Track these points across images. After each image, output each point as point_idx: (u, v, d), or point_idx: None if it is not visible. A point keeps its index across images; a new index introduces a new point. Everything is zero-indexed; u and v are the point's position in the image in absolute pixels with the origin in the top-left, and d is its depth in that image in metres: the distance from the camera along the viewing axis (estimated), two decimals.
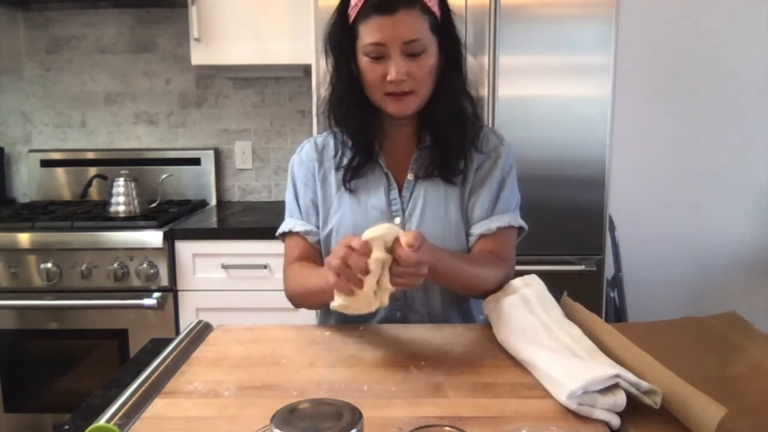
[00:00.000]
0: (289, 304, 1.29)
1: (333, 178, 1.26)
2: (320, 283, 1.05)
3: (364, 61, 1.15)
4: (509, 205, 1.25)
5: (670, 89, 2.60)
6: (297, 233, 1.26)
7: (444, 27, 1.17)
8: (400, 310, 1.24)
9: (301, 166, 1.29)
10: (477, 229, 1.23)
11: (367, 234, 0.96)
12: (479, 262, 1.19)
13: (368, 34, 1.12)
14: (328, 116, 1.25)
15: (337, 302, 0.98)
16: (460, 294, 1.24)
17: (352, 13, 1.15)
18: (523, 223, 1.26)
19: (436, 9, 1.15)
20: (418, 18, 1.12)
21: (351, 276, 0.94)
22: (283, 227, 1.29)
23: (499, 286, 1.17)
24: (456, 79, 1.21)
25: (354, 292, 0.95)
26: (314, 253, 1.27)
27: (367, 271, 0.94)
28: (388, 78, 1.13)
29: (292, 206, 1.29)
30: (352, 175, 1.24)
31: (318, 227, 1.27)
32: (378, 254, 0.94)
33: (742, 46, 2.56)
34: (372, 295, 0.96)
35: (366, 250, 0.94)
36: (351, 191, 1.24)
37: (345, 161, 1.25)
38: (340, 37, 1.18)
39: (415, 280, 0.98)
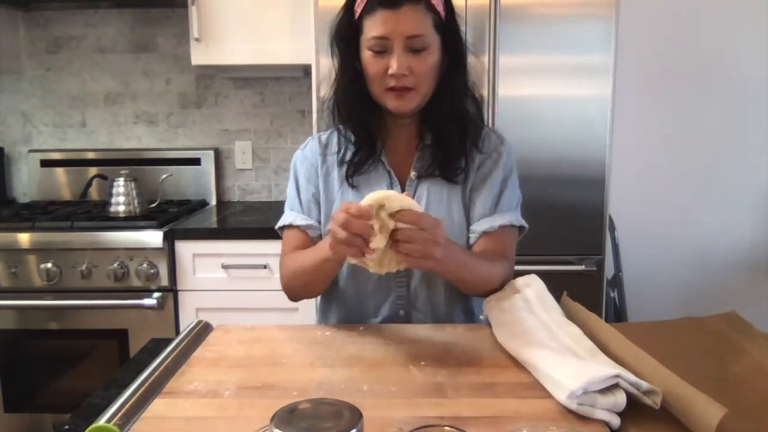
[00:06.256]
0: (289, 304, 1.29)
1: (336, 174, 1.26)
2: (317, 256, 1.10)
3: (367, 55, 1.16)
4: (511, 204, 1.26)
5: (670, 89, 2.59)
6: (297, 227, 1.26)
7: (448, 27, 1.18)
8: (404, 308, 1.24)
9: (305, 161, 1.29)
10: (479, 227, 1.23)
11: (367, 199, 0.96)
12: (487, 259, 1.19)
13: (372, 27, 1.14)
14: (332, 112, 1.25)
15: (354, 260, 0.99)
16: (464, 291, 1.24)
17: (358, 9, 1.16)
18: (524, 222, 1.27)
19: (440, 8, 1.16)
20: (422, 14, 1.13)
21: (354, 241, 0.95)
22: (283, 220, 1.28)
23: (502, 285, 1.18)
24: (459, 80, 1.22)
25: (364, 255, 0.96)
26: (312, 246, 1.27)
27: (371, 234, 0.95)
28: (390, 72, 1.14)
29: (293, 200, 1.29)
30: (355, 170, 1.24)
31: (320, 222, 1.27)
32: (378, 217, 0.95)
33: (742, 46, 2.56)
34: (382, 257, 0.98)
35: (365, 215, 0.95)
36: (354, 187, 1.24)
37: (348, 157, 1.25)
38: (346, 32, 1.19)
39: (423, 257, 0.98)
